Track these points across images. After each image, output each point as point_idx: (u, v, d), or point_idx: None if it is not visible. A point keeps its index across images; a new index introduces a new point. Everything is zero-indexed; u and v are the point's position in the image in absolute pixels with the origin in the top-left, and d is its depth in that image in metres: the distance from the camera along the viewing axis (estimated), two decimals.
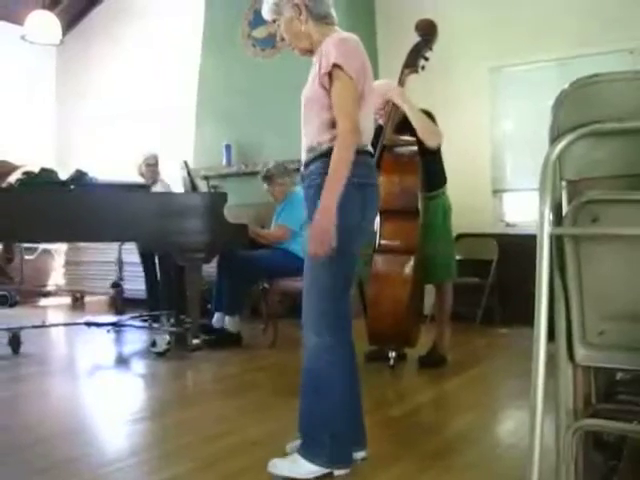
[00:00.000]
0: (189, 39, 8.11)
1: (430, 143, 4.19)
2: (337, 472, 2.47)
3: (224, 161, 7.31)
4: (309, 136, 2.56)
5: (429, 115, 4.29)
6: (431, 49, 4.32)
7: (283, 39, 2.70)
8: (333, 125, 2.45)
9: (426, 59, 4.33)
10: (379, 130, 4.31)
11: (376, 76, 6.66)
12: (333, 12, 2.63)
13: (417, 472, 2.55)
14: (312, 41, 2.57)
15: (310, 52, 2.61)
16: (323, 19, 2.58)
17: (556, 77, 6.02)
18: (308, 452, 2.46)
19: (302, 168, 2.64)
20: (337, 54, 2.41)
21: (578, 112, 1.47)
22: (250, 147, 7.14)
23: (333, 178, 2.38)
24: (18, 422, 3.30)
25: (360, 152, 2.47)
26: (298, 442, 2.55)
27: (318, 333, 2.49)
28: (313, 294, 2.52)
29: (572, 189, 1.51)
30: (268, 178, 5.62)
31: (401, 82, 4.29)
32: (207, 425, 3.22)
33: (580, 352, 1.51)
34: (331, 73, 2.42)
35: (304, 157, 2.59)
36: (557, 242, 1.49)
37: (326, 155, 2.44)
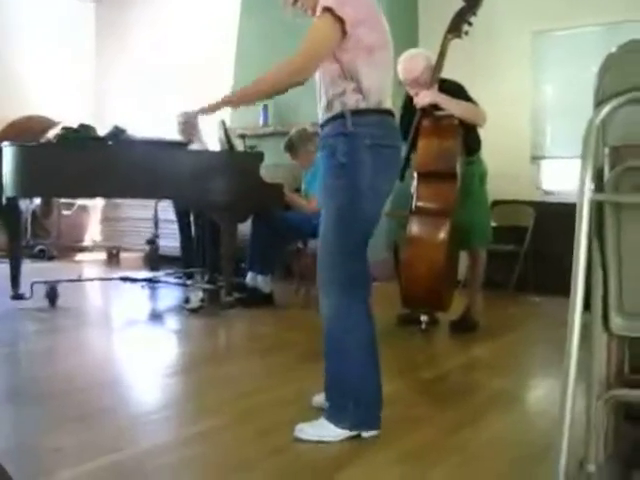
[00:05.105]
0: None
1: (480, 124, 4.23)
2: (365, 434, 2.47)
3: (261, 121, 7.30)
4: (324, 92, 2.51)
5: (459, 87, 4.23)
6: (475, 14, 4.25)
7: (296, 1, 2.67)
8: (345, 76, 2.41)
9: (470, 24, 4.26)
10: (410, 101, 4.26)
11: (415, 41, 6.66)
12: None
13: (446, 435, 2.57)
14: None
15: None
16: None
17: (602, 43, 5.80)
18: (333, 416, 2.47)
19: (319, 129, 2.62)
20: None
21: (625, 77, 1.43)
22: (287, 107, 7.09)
23: (255, 82, 2.53)
24: (55, 372, 3.38)
25: (375, 111, 2.45)
26: (322, 396, 2.58)
27: (329, 296, 2.49)
28: (323, 257, 2.52)
29: (614, 156, 1.48)
30: (290, 148, 5.48)
31: (443, 47, 4.22)
32: (239, 382, 3.27)
33: (616, 321, 1.50)
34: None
35: (320, 117, 2.56)
36: (597, 209, 1.47)
37: (341, 116, 2.42)
